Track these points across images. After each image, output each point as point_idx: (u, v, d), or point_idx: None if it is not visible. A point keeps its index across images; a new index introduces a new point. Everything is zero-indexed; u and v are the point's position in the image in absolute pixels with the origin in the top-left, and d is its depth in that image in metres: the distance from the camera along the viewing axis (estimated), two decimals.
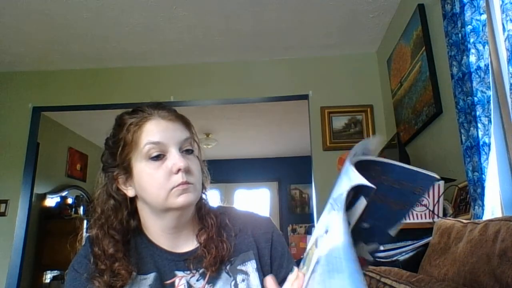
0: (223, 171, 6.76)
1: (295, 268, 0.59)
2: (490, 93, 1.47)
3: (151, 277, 0.80)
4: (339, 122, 3.19)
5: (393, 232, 0.57)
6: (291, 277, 0.57)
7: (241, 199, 7.31)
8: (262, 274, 0.83)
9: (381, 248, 1.52)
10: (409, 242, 1.42)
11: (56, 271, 4.54)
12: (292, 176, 7.06)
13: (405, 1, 2.55)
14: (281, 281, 0.86)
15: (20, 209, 3.22)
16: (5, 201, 3.22)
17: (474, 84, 1.50)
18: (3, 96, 3.48)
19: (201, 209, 0.87)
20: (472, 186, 1.50)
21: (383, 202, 0.54)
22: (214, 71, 3.44)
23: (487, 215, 1.42)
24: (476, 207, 1.46)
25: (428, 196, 1.74)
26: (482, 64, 1.50)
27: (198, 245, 0.84)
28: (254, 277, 0.82)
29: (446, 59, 1.75)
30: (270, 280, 0.63)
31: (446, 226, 1.22)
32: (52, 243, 4.17)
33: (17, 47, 3.13)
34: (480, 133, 1.46)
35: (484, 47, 1.50)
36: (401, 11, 2.65)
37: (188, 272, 0.81)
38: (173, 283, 0.80)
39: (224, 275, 0.81)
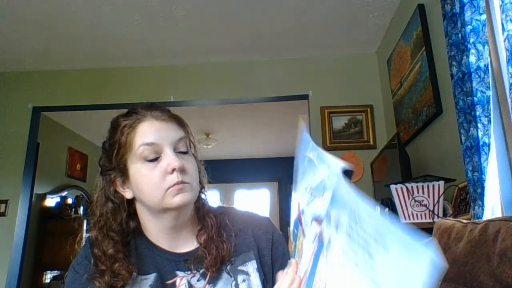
0: (223, 171, 6.76)
1: (292, 260, 0.61)
2: (490, 93, 1.47)
3: (151, 277, 0.80)
4: (339, 122, 3.19)
5: None
6: (286, 269, 0.60)
7: (241, 199, 7.31)
8: (263, 274, 0.83)
9: None
10: None
11: (56, 271, 4.54)
12: (292, 176, 7.05)
13: (405, 1, 2.55)
14: None
15: (20, 209, 3.22)
16: (5, 201, 3.22)
17: (474, 84, 1.50)
18: (3, 96, 3.48)
19: (200, 209, 0.87)
20: (472, 186, 1.50)
21: None
22: (214, 71, 3.44)
23: (487, 215, 1.42)
24: (476, 207, 1.47)
25: (428, 196, 1.74)
26: (482, 64, 1.50)
27: (198, 245, 0.84)
28: (254, 277, 0.82)
29: (446, 59, 1.75)
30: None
31: (446, 226, 1.22)
32: (52, 243, 4.17)
33: (17, 47, 3.13)
34: (480, 133, 1.46)
35: (484, 47, 1.50)
36: (401, 11, 2.65)
37: (189, 272, 0.81)
38: (174, 283, 0.80)
39: (224, 275, 0.81)
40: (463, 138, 1.57)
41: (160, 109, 0.84)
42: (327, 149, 3.11)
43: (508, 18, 1.26)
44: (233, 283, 0.80)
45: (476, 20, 1.53)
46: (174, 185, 0.77)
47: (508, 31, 1.26)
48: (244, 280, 0.81)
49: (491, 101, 1.47)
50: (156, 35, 3.00)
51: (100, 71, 3.49)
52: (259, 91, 3.40)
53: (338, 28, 2.96)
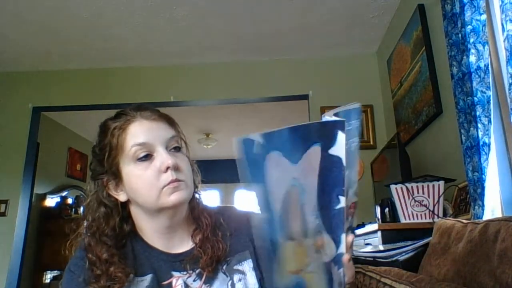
0: (223, 171, 6.73)
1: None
2: (490, 93, 1.47)
3: (148, 278, 0.80)
4: None
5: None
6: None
7: (241, 199, 7.31)
8: (260, 273, 0.83)
9: (381, 248, 1.52)
10: (409, 242, 1.42)
11: (56, 271, 4.54)
12: None
13: (405, 1, 2.55)
14: None
15: (20, 209, 3.22)
16: (5, 201, 3.22)
17: (474, 84, 1.50)
18: (3, 96, 3.48)
19: (195, 209, 0.87)
20: (472, 186, 1.50)
21: None
22: (214, 71, 3.44)
23: (487, 215, 1.42)
24: (476, 207, 1.47)
25: (428, 196, 1.74)
26: (482, 64, 1.50)
27: (193, 245, 0.84)
28: (251, 276, 0.82)
29: (446, 59, 1.75)
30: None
31: (446, 226, 1.22)
32: (52, 243, 4.17)
33: (17, 47, 3.13)
34: (480, 133, 1.46)
35: (484, 47, 1.50)
36: (401, 11, 2.65)
37: (185, 272, 0.81)
38: (170, 283, 0.80)
39: (220, 275, 0.81)
40: (463, 138, 1.57)
41: (150, 109, 0.84)
42: None
43: (508, 18, 1.26)
44: (229, 283, 0.80)
45: (476, 20, 1.53)
46: (169, 183, 0.76)
47: (508, 31, 1.26)
48: (240, 280, 0.81)
49: (491, 101, 1.47)
50: (156, 35, 3.00)
51: (100, 71, 3.49)
52: (259, 91, 3.40)
53: (338, 28, 2.96)
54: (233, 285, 0.80)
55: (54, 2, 2.56)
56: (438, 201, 1.71)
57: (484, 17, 1.51)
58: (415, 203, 1.74)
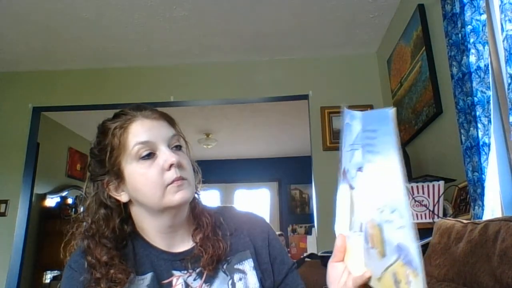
0: (223, 171, 6.76)
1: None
2: (490, 93, 1.47)
3: (148, 277, 0.80)
4: (339, 122, 3.18)
5: None
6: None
7: (241, 199, 7.32)
8: (260, 272, 0.83)
9: None
10: None
11: (56, 271, 4.54)
12: (292, 176, 7.07)
13: (405, 1, 2.55)
14: (284, 276, 0.86)
15: (20, 209, 3.22)
16: (5, 201, 3.22)
17: (474, 84, 1.50)
18: (3, 96, 3.48)
19: (195, 208, 0.87)
20: (472, 186, 1.49)
21: None
22: (214, 71, 3.44)
23: (487, 215, 1.42)
24: (476, 207, 1.46)
25: (428, 196, 1.74)
26: (482, 64, 1.50)
27: (194, 244, 0.84)
28: (251, 275, 0.82)
29: (446, 59, 1.75)
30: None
31: (446, 226, 1.22)
32: (52, 243, 4.17)
33: (17, 47, 3.13)
34: (480, 133, 1.46)
35: (484, 47, 1.50)
36: (401, 11, 2.65)
37: (185, 271, 0.81)
38: (170, 282, 0.80)
39: (221, 274, 0.81)
40: (463, 138, 1.57)
41: (149, 108, 0.84)
42: (327, 149, 3.11)
43: (507, 18, 1.26)
44: (230, 282, 0.81)
45: (476, 20, 1.53)
46: (173, 181, 0.76)
47: (507, 31, 1.26)
48: (240, 279, 0.81)
49: (491, 101, 1.47)
50: (156, 35, 3.00)
51: (100, 71, 3.49)
52: (259, 91, 3.40)
53: (338, 28, 2.96)
54: (233, 284, 0.80)
55: (54, 2, 2.56)
56: (438, 201, 1.71)
57: (484, 17, 1.51)
58: (415, 203, 1.74)
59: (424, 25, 2.24)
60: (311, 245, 3.71)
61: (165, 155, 0.77)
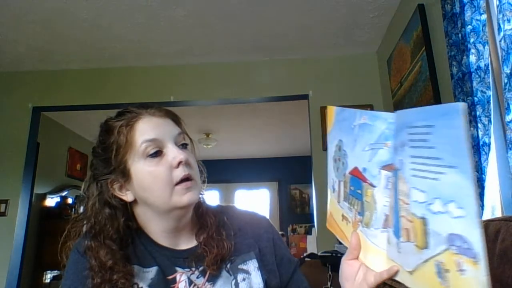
0: (223, 171, 6.76)
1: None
2: (490, 93, 1.47)
3: (153, 270, 0.79)
4: None
5: None
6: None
7: (241, 199, 7.32)
8: (265, 273, 0.83)
9: None
10: None
11: (56, 271, 4.54)
12: (292, 176, 7.07)
13: (405, 1, 2.55)
14: (291, 275, 0.86)
15: (20, 209, 3.22)
16: (5, 201, 3.22)
17: (474, 84, 1.50)
18: (3, 96, 3.48)
19: (199, 208, 0.86)
20: None
21: None
22: (214, 71, 3.44)
23: (487, 215, 1.42)
24: None
25: None
26: (482, 64, 1.50)
27: (197, 243, 0.83)
28: (255, 275, 0.81)
29: (446, 59, 1.75)
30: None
31: None
32: (52, 243, 4.14)
33: (17, 47, 3.13)
34: (480, 133, 1.46)
35: (484, 47, 1.51)
36: (401, 11, 2.65)
37: (188, 269, 0.81)
38: (174, 278, 0.79)
39: (224, 274, 0.81)
40: None
41: (155, 107, 0.83)
42: (327, 149, 3.11)
43: (505, 18, 1.26)
44: (233, 282, 0.80)
45: (476, 20, 1.53)
46: (181, 180, 0.76)
47: (505, 31, 1.26)
48: (244, 279, 0.80)
49: (491, 101, 1.47)
50: (156, 35, 3.00)
51: (100, 71, 3.49)
52: (259, 91, 3.40)
53: (338, 28, 2.96)
54: (236, 284, 0.80)
55: (54, 2, 2.56)
56: None
57: (484, 17, 1.51)
58: None
59: (424, 25, 2.24)
60: (311, 245, 3.71)
61: (173, 153, 0.76)
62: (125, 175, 0.79)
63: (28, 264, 4.04)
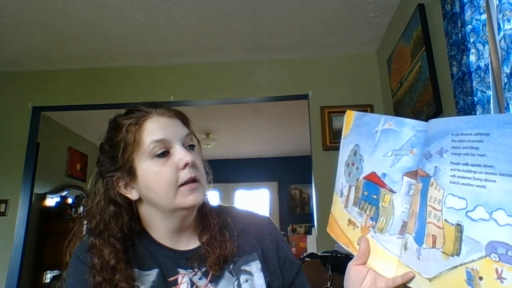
0: (223, 171, 6.76)
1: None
2: (490, 93, 1.47)
3: (154, 273, 0.79)
4: (339, 122, 3.19)
5: None
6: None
7: (241, 199, 7.31)
8: (268, 274, 0.83)
9: None
10: None
11: (56, 271, 4.54)
12: (292, 176, 7.07)
13: (405, 1, 2.55)
14: (294, 277, 0.86)
15: (20, 209, 3.22)
16: (5, 201, 3.22)
17: (474, 84, 1.50)
18: (3, 96, 3.48)
19: (202, 209, 0.86)
20: None
21: None
22: (214, 71, 3.44)
23: None
24: None
25: None
26: (482, 64, 1.50)
27: (200, 244, 0.83)
28: (258, 277, 0.81)
29: (446, 59, 1.75)
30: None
31: None
32: (52, 243, 4.17)
33: (17, 47, 3.12)
34: None
35: (484, 47, 1.50)
36: (401, 11, 2.65)
37: (190, 270, 0.80)
38: (176, 280, 0.79)
39: (227, 275, 0.81)
40: None
41: (164, 106, 0.83)
42: (327, 148, 3.11)
43: (505, 18, 1.26)
44: (236, 283, 0.80)
45: (476, 19, 1.53)
46: (186, 182, 0.76)
47: (504, 30, 1.26)
48: (247, 280, 0.80)
49: (491, 101, 1.47)
50: (156, 35, 3.00)
51: (100, 71, 3.49)
52: (259, 91, 3.39)
53: (338, 28, 2.96)
54: (239, 285, 0.79)
55: (54, 2, 2.56)
56: None
57: (484, 16, 1.51)
58: None
59: (424, 24, 2.24)
60: (311, 245, 3.71)
61: (180, 154, 0.76)
62: (131, 173, 0.78)
63: (28, 264, 4.04)
